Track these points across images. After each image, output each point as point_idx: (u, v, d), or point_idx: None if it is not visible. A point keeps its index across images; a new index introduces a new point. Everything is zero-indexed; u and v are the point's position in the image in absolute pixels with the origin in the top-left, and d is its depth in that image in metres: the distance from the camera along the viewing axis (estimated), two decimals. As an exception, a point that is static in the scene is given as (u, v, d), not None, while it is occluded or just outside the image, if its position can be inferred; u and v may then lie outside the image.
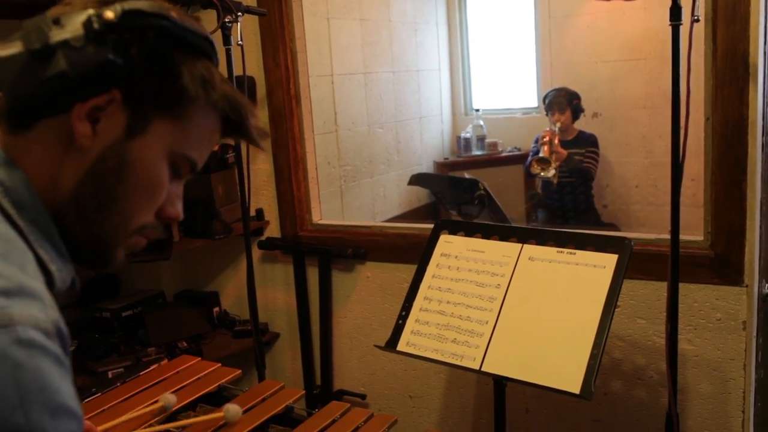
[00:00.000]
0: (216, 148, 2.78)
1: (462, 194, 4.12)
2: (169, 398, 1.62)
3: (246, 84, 2.37)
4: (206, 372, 1.84)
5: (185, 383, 1.77)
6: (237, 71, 2.30)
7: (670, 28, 1.68)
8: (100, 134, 0.79)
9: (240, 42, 2.21)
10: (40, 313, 0.67)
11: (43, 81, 0.76)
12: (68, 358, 0.70)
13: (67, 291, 0.80)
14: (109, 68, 0.77)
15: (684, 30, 1.68)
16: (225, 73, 2.36)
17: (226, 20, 2.14)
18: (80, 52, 0.76)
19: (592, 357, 1.59)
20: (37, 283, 0.71)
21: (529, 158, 4.28)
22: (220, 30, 2.14)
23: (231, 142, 0.93)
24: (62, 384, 0.67)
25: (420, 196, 4.74)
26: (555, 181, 4.17)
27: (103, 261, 0.86)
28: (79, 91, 0.77)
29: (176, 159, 0.84)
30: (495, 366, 1.69)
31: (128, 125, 0.80)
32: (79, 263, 0.83)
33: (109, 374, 2.45)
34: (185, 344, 2.68)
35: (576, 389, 1.57)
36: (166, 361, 1.97)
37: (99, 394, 1.73)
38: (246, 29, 2.60)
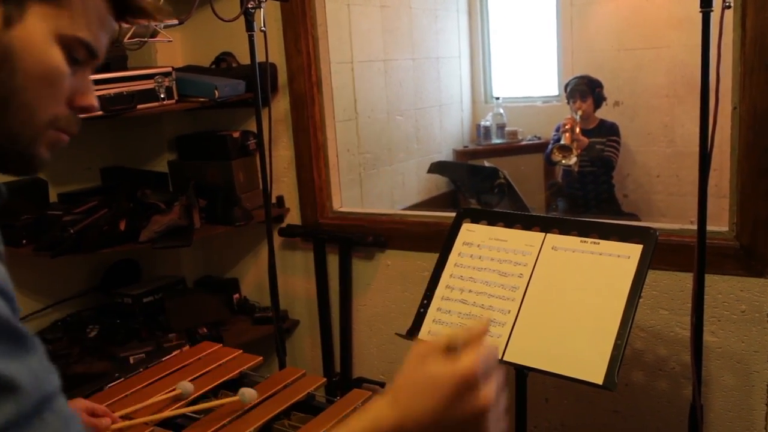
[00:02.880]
0: (236, 135, 2.78)
1: (482, 183, 4.10)
2: (186, 386, 1.63)
3: (268, 70, 2.36)
4: (227, 358, 1.84)
5: (206, 369, 1.78)
6: (260, 57, 2.29)
7: (699, 15, 1.65)
8: None
9: (263, 28, 2.20)
10: None
11: None
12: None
13: None
14: None
15: (714, 17, 1.65)
16: (245, 60, 2.35)
17: (249, 6, 2.13)
18: None
19: (616, 347, 1.58)
20: None
21: (550, 146, 4.25)
22: (243, 16, 2.13)
23: (143, 22, 0.90)
24: None
25: (439, 184, 4.72)
26: (576, 169, 4.14)
27: (26, 162, 0.83)
28: None
29: (68, 42, 0.81)
30: (517, 356, 1.68)
31: (3, 15, 0.77)
32: (5, 171, 0.82)
33: (131, 360, 2.46)
34: (205, 330, 2.69)
35: (599, 380, 1.56)
36: (187, 347, 1.98)
37: (122, 379, 1.74)
38: (268, 16, 2.59)
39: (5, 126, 0.80)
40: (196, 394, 1.64)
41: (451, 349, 0.71)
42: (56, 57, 0.80)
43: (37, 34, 0.79)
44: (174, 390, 1.62)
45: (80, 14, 0.81)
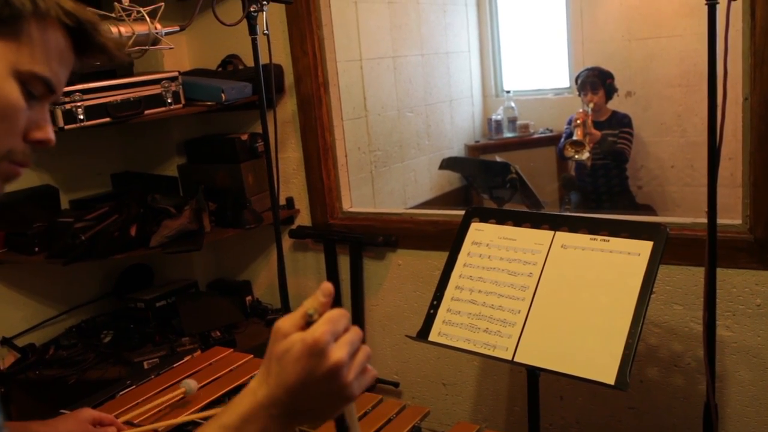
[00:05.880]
0: (245, 137, 2.78)
1: (493, 178, 4.08)
2: (190, 384, 1.64)
3: (273, 72, 2.35)
4: (238, 364, 1.84)
5: (217, 375, 1.78)
6: (264, 60, 2.29)
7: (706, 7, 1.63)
8: None
9: (266, 32, 2.19)
10: None
11: None
12: None
13: None
14: None
15: (721, 8, 1.63)
16: (251, 63, 2.35)
17: (252, 10, 2.12)
18: None
19: (627, 347, 1.56)
20: None
21: (562, 141, 4.21)
22: (246, 20, 2.12)
23: (96, 62, 0.90)
24: None
25: (451, 180, 4.70)
26: (589, 163, 4.10)
27: None
28: None
29: (25, 78, 0.81)
30: (528, 356, 1.66)
31: None
32: None
33: (145, 365, 2.47)
34: (219, 334, 2.69)
35: (611, 380, 1.54)
36: (199, 352, 1.98)
37: (134, 386, 1.74)
38: (273, 17, 2.59)
39: None
40: (205, 401, 1.64)
41: (308, 321, 0.79)
42: (12, 92, 0.80)
43: None
44: (179, 388, 1.63)
45: (39, 50, 0.82)
